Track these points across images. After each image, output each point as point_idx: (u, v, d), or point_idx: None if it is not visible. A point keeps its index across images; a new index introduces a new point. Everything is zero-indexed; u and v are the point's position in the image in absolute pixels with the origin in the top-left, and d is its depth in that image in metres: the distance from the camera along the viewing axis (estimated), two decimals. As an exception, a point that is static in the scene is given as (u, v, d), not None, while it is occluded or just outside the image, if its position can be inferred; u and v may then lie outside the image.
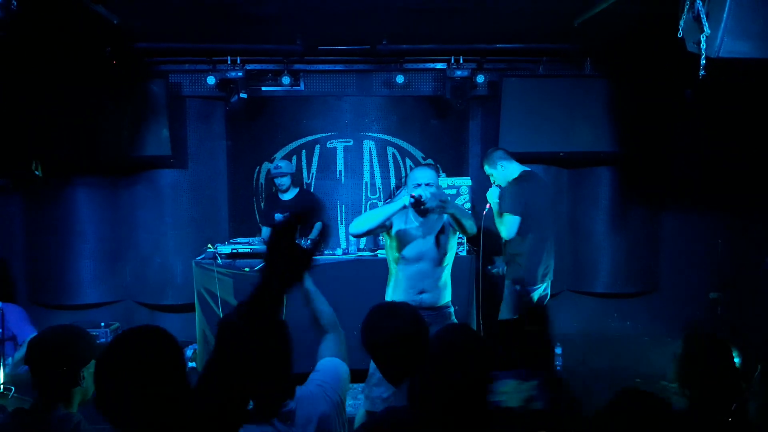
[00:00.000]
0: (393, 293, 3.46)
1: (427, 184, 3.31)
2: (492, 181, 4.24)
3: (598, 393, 4.51)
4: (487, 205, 4.20)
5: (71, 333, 1.90)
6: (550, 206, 4.28)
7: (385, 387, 3.20)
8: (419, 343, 2.05)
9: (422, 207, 3.25)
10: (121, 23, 4.23)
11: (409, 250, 3.37)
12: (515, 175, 4.14)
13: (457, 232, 3.48)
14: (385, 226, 3.36)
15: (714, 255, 5.74)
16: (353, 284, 4.54)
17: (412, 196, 3.22)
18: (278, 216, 5.33)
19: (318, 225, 5.27)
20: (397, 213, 3.32)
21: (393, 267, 3.48)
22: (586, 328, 4.67)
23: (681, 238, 5.94)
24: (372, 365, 3.38)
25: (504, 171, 4.15)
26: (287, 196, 5.36)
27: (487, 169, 4.24)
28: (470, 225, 3.33)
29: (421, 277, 3.36)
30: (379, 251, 4.81)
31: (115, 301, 5.78)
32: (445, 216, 3.40)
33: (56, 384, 1.82)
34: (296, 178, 5.48)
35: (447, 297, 3.51)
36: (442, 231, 3.42)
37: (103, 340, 5.41)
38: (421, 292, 3.38)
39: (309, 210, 5.34)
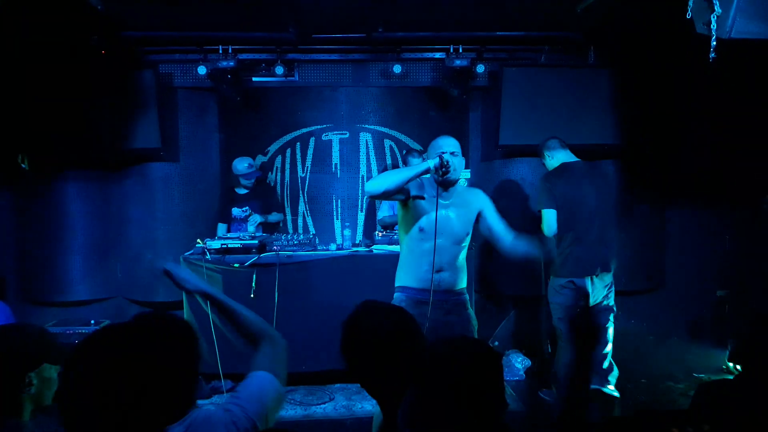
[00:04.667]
0: (406, 271, 3.21)
1: (452, 153, 3.08)
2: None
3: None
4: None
5: (15, 333, 1.72)
6: (590, 200, 4.02)
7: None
8: (407, 345, 1.80)
9: (446, 176, 3.01)
10: (106, 10, 4.09)
11: (427, 222, 3.11)
12: (551, 169, 4.11)
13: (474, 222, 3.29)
14: (403, 191, 3.08)
15: (722, 251, 5.59)
16: (348, 281, 4.41)
17: (440, 157, 2.97)
18: (236, 210, 5.22)
19: (279, 216, 5.21)
20: (419, 176, 3.03)
21: (406, 242, 3.23)
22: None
23: (688, 233, 5.78)
24: None
25: (549, 161, 4.13)
26: (243, 191, 5.31)
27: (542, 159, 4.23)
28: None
29: (439, 253, 3.08)
30: (374, 246, 4.66)
31: (105, 298, 5.66)
32: (479, 206, 3.20)
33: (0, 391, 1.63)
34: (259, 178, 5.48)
35: (464, 281, 3.27)
36: (463, 206, 3.19)
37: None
38: (439, 271, 3.12)
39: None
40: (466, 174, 4.65)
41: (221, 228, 5.31)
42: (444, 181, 3.08)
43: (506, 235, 3.19)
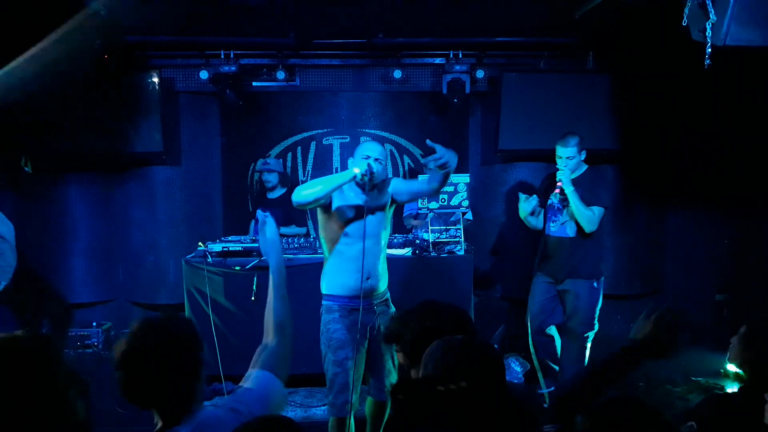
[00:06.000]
0: (334, 278, 3.20)
1: (376, 159, 3.13)
2: (563, 166, 4.01)
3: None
4: (557, 189, 4.00)
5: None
6: None
7: (348, 394, 3.06)
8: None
9: (372, 182, 3.07)
10: (109, 15, 4.13)
11: (351, 227, 3.13)
12: (585, 168, 4.12)
13: (393, 210, 3.34)
14: (328, 199, 3.11)
15: (720, 255, 5.60)
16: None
17: (369, 166, 3.05)
18: (259, 212, 5.18)
19: (297, 229, 5.20)
20: (348, 182, 3.10)
21: (330, 248, 3.22)
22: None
23: (686, 238, 5.80)
24: (330, 372, 3.19)
25: (581, 160, 4.08)
26: (273, 195, 5.27)
27: (572, 150, 3.99)
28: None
29: (367, 257, 3.09)
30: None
31: (107, 300, 5.72)
32: (390, 190, 3.25)
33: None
34: (284, 179, 5.39)
35: (386, 281, 3.34)
36: (383, 208, 3.23)
37: (94, 340, 5.35)
38: (368, 276, 3.13)
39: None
40: (465, 178, 4.67)
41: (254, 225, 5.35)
42: (368, 186, 3.10)
43: (422, 183, 3.28)
